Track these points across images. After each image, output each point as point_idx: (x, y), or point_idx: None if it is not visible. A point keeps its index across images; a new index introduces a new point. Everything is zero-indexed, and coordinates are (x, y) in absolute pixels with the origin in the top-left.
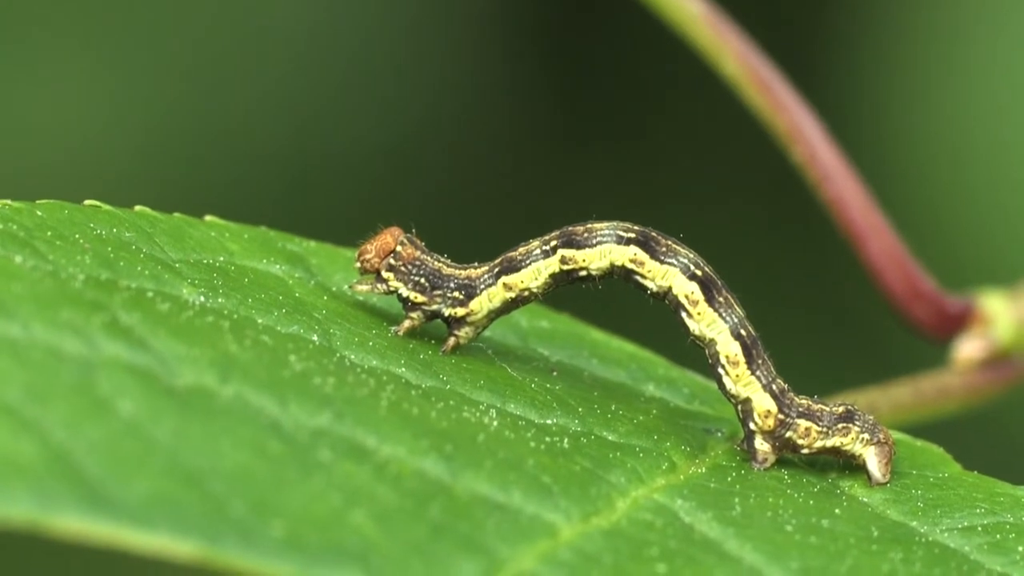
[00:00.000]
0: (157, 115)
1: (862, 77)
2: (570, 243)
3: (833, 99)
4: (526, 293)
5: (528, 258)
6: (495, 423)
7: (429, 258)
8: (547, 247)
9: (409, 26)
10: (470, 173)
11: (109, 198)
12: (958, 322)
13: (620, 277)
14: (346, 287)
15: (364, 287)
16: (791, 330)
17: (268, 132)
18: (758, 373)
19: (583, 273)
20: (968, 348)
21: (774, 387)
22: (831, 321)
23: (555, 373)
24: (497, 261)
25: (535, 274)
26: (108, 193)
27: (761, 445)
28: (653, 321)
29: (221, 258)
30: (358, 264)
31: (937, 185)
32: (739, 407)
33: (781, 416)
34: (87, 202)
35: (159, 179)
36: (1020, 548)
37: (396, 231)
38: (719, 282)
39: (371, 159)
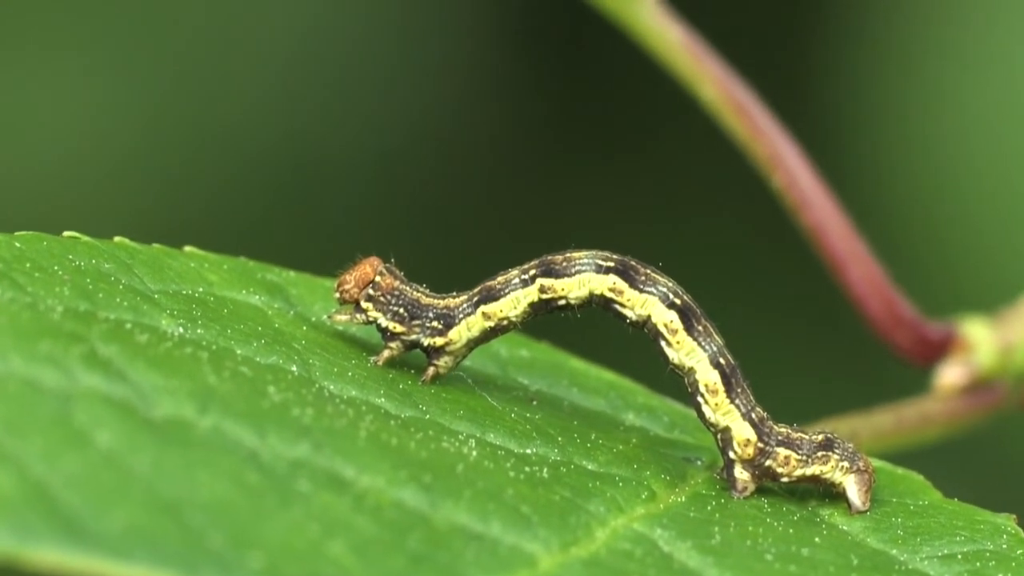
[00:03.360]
0: (146, 120)
1: (845, 104)
2: (549, 272)
3: (816, 126)
4: (505, 322)
5: (507, 287)
6: (474, 453)
7: (408, 288)
8: (526, 276)
9: (398, 35)
10: (459, 181)
11: (96, 205)
12: (940, 349)
13: (599, 306)
14: (325, 317)
15: (343, 317)
16: (774, 353)
17: (257, 139)
18: (737, 402)
19: (562, 302)
20: (950, 375)
21: (753, 415)
22: (816, 345)
23: (535, 402)
24: (476, 290)
25: (514, 303)
26: (95, 200)
27: (741, 474)
28: (633, 349)
29: (200, 289)
30: (337, 294)
31: (919, 212)
32: (718, 436)
33: (761, 445)
34: (66, 233)
35: (148, 185)
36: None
37: (375, 261)
38: (698, 311)
39: (360, 166)
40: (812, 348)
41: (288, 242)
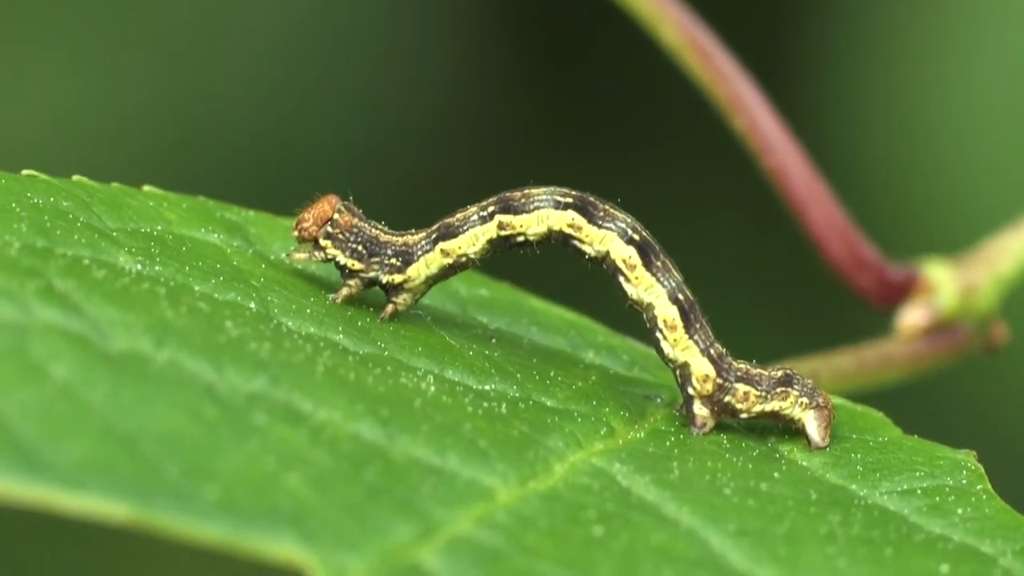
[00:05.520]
0: (128, 112)
1: (809, 48)
2: (507, 208)
3: (778, 70)
4: (464, 259)
5: (465, 224)
6: (432, 389)
7: (367, 225)
8: (484, 213)
9: (383, 29)
10: (442, 176)
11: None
12: (901, 291)
13: (558, 242)
14: (284, 255)
15: (302, 255)
16: (735, 294)
17: (241, 132)
18: (696, 337)
19: (521, 239)
20: (911, 316)
21: (712, 351)
22: (778, 287)
23: (494, 340)
24: (434, 227)
25: (473, 240)
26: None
27: (700, 410)
28: (594, 289)
29: (159, 227)
30: (296, 232)
31: (881, 155)
32: (677, 372)
33: (719, 380)
34: (24, 172)
35: (130, 177)
36: (959, 510)
37: (333, 199)
38: (656, 247)
39: (344, 160)
40: (773, 290)
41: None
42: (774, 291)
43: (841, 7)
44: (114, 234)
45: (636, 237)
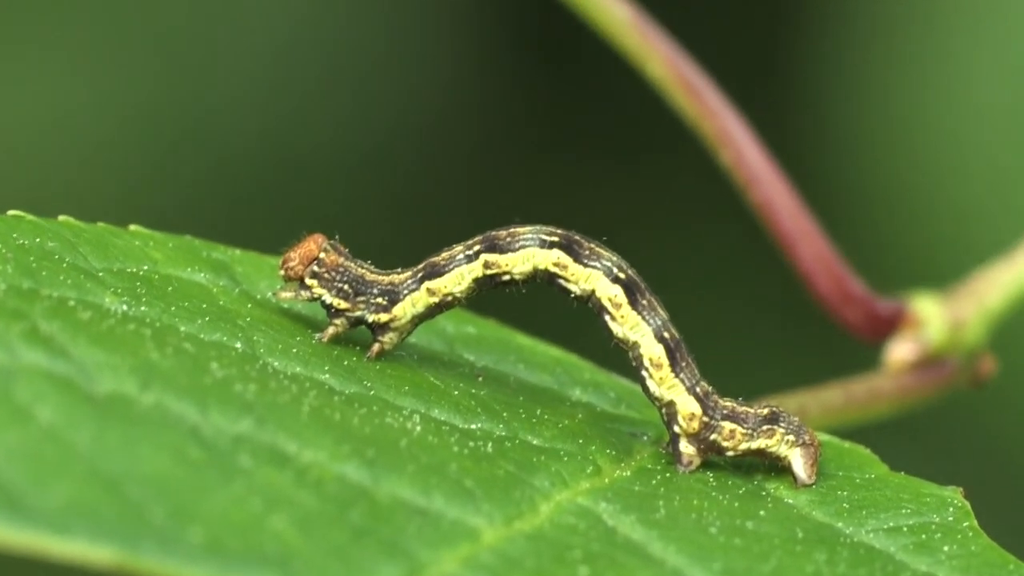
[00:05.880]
0: (126, 114)
1: (799, 80)
2: (493, 248)
3: (768, 104)
4: (449, 298)
5: (451, 263)
6: (418, 428)
7: (352, 264)
8: (470, 252)
9: (382, 30)
10: (441, 177)
11: (74, 199)
12: (890, 325)
13: (543, 281)
14: (270, 294)
15: (288, 294)
16: (723, 329)
17: (240, 133)
18: (682, 376)
19: (506, 277)
20: (900, 351)
21: (698, 390)
22: (766, 322)
23: (480, 378)
24: (420, 266)
25: (458, 279)
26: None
27: (686, 448)
28: (581, 326)
29: (145, 267)
30: (282, 271)
31: (869, 189)
32: (663, 410)
33: (705, 419)
34: (10, 212)
35: (128, 179)
36: (945, 548)
37: (319, 238)
38: (642, 285)
39: (343, 161)
40: (762, 325)
41: (268, 237)
42: (762, 324)
43: (837, 41)
44: (100, 274)
45: (622, 276)
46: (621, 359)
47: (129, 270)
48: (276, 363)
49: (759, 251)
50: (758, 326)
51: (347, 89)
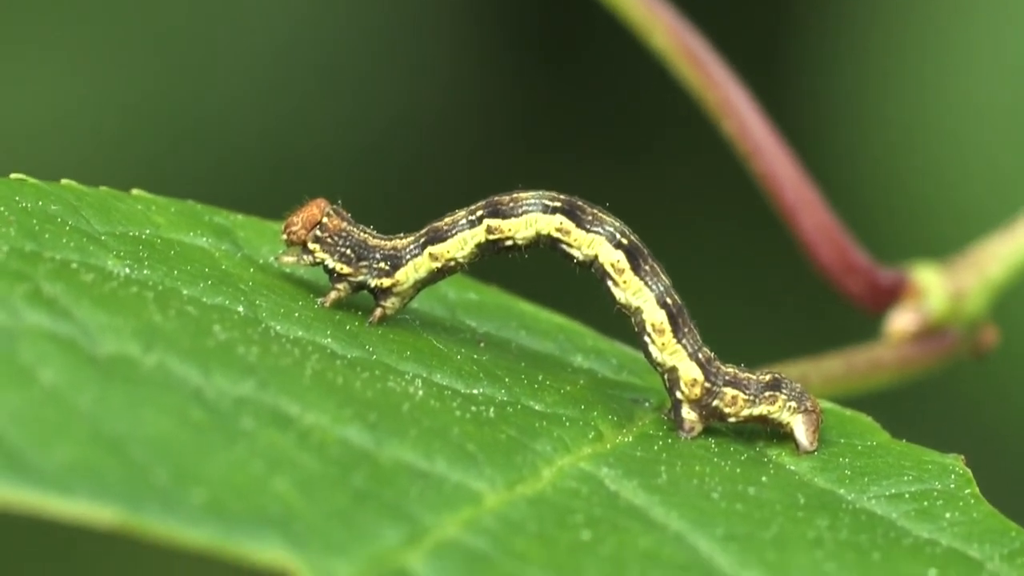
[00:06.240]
0: (127, 112)
1: (803, 53)
2: (496, 213)
3: (771, 75)
4: (452, 263)
5: (454, 228)
6: (420, 393)
7: (355, 229)
8: (473, 217)
9: (382, 28)
10: (440, 174)
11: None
12: (891, 295)
13: (546, 246)
14: (272, 259)
15: (290, 259)
16: (725, 298)
17: (239, 130)
18: (684, 341)
19: (509, 243)
20: (901, 321)
21: (700, 356)
22: (768, 291)
23: (482, 344)
24: (423, 231)
25: (461, 244)
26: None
27: (688, 414)
28: (584, 293)
29: (147, 231)
30: (284, 236)
31: (871, 159)
32: (665, 376)
33: (707, 384)
34: (13, 175)
35: (128, 176)
36: (947, 515)
37: (322, 202)
38: (645, 250)
39: (342, 159)
40: (763, 293)
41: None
42: (764, 294)
43: (843, 14)
44: (102, 238)
45: (624, 241)
46: (623, 327)
47: (132, 234)
48: (278, 327)
49: (761, 225)
50: (759, 296)
51: (347, 89)
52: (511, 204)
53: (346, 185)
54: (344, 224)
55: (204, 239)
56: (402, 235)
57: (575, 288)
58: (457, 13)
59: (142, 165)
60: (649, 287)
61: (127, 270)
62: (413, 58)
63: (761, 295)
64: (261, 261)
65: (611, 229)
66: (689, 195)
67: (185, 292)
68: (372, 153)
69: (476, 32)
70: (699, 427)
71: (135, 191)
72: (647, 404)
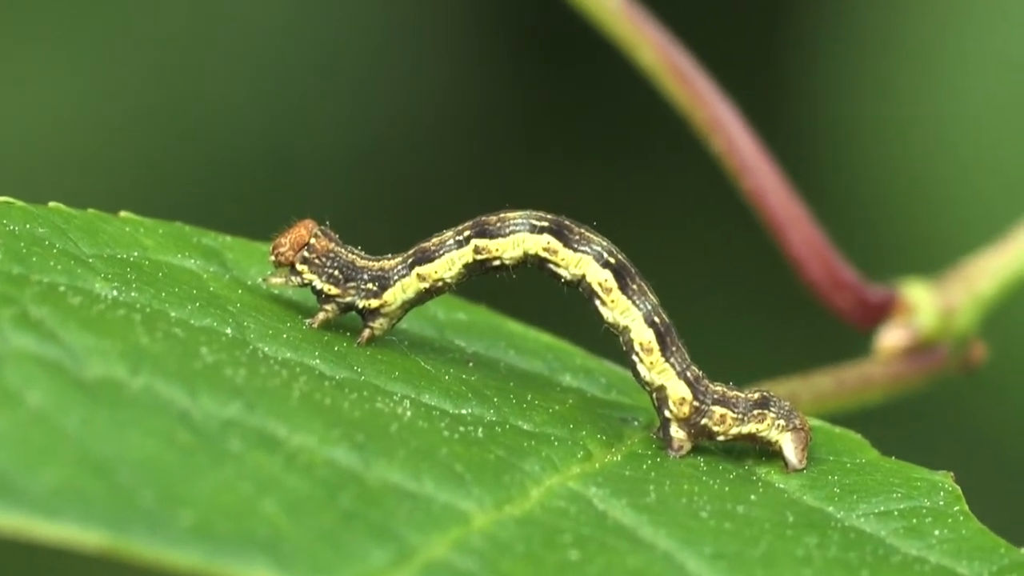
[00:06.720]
0: (124, 113)
1: (790, 68)
2: (483, 233)
3: (763, 87)
4: (440, 283)
5: (441, 248)
6: (408, 413)
7: (343, 250)
8: (460, 237)
9: (379, 29)
10: (442, 172)
11: (71, 194)
12: (881, 311)
13: (534, 266)
14: (260, 280)
15: (278, 280)
16: (714, 315)
17: (237, 131)
18: (672, 360)
19: (497, 263)
20: (891, 337)
21: (688, 374)
22: (757, 308)
23: (471, 364)
24: (410, 252)
25: (449, 264)
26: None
27: (677, 433)
28: (572, 312)
29: (135, 253)
30: (272, 257)
31: (860, 175)
32: (654, 395)
33: (696, 403)
34: (0, 198)
35: (125, 179)
36: (936, 532)
37: (310, 224)
38: (632, 269)
39: (339, 160)
40: (753, 311)
41: (267, 237)
42: (753, 311)
43: (828, 28)
44: (90, 260)
45: (612, 260)
46: (612, 345)
47: (119, 256)
48: (266, 348)
49: (751, 240)
50: (748, 314)
51: (346, 89)
52: (498, 224)
53: (345, 185)
54: (332, 245)
55: (192, 261)
56: (389, 256)
57: (563, 307)
58: (456, 14)
59: (141, 166)
60: (637, 306)
61: (115, 292)
62: (411, 59)
63: (750, 312)
64: (249, 282)
65: (598, 248)
66: (680, 200)
67: (173, 314)
68: (371, 153)
69: (475, 33)
70: (688, 446)
71: (123, 213)
72: (636, 423)
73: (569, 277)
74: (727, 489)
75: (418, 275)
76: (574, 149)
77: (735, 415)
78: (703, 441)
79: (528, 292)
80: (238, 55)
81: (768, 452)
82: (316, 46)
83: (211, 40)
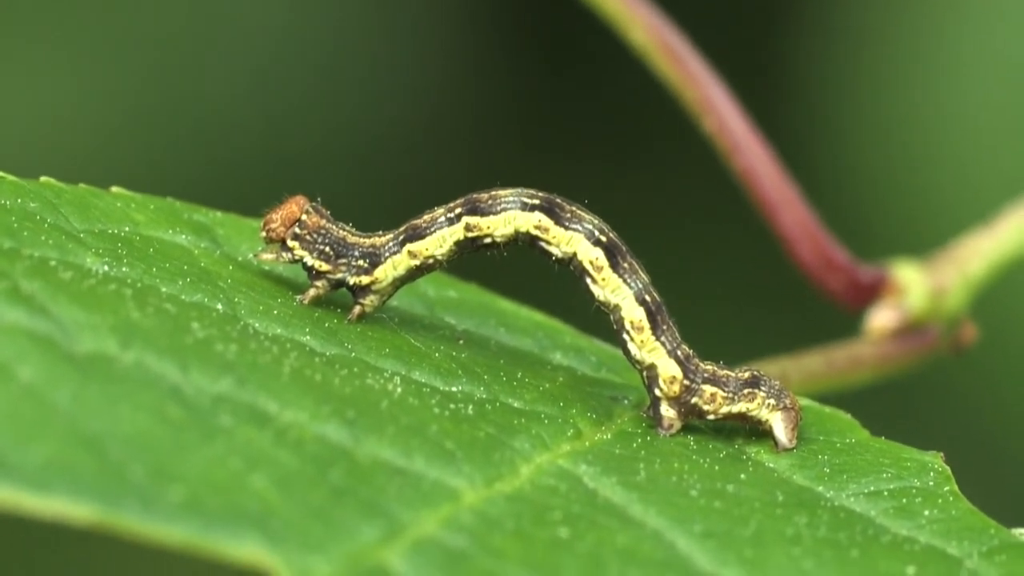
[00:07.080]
0: (129, 109)
1: (782, 50)
2: (475, 210)
3: (758, 72)
4: (431, 261)
5: (433, 225)
6: (399, 390)
7: (334, 227)
8: (452, 214)
9: (379, 26)
10: (440, 172)
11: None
12: (871, 292)
13: (525, 244)
14: (251, 256)
15: (269, 256)
16: (705, 295)
17: (239, 128)
18: (663, 339)
19: (488, 240)
20: (881, 318)
21: (679, 353)
22: (748, 288)
23: (461, 342)
24: (402, 229)
25: (440, 241)
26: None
27: (667, 411)
28: (563, 291)
29: (126, 228)
30: (263, 233)
31: (851, 156)
32: (644, 373)
33: (686, 382)
34: None
35: (125, 175)
36: (926, 512)
37: (301, 200)
38: (623, 248)
39: (339, 157)
40: (743, 291)
41: None
42: (744, 291)
43: (821, 11)
44: (81, 235)
45: (603, 238)
46: (602, 324)
47: (110, 231)
48: (257, 324)
49: (744, 226)
50: (739, 293)
51: (345, 89)
52: (490, 201)
53: (344, 185)
54: (323, 221)
55: (183, 236)
56: (381, 232)
57: (554, 285)
58: (452, 14)
59: (141, 165)
60: (628, 284)
61: (105, 267)
62: (410, 59)
63: (741, 292)
64: (240, 258)
65: (589, 226)
66: (675, 191)
67: (164, 289)
68: (370, 153)
69: (472, 33)
70: (678, 424)
71: (114, 188)
72: (626, 401)
73: (560, 255)
74: (717, 468)
75: (409, 252)
76: (571, 147)
77: (725, 394)
78: (693, 420)
79: (519, 270)
80: (238, 55)
81: (758, 431)
82: (315, 46)
83: (211, 40)
